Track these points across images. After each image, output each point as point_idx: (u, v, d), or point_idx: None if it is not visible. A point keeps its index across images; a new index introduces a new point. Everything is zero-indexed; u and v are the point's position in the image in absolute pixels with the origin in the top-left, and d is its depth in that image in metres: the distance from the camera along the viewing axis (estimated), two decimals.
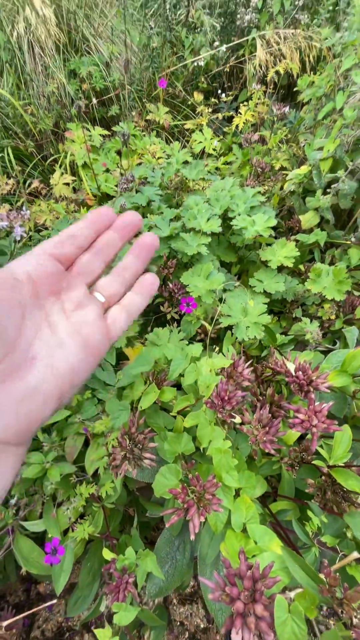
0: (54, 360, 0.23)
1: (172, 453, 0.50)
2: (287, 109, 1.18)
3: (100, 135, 1.42)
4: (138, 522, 0.70)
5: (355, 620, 0.27)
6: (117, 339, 0.27)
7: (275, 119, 1.23)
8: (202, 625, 1.02)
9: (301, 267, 1.00)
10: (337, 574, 0.31)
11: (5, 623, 0.57)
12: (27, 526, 0.64)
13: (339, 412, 0.65)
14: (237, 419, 0.43)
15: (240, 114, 1.47)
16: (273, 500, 0.59)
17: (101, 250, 0.27)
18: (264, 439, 0.42)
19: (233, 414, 0.43)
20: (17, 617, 0.58)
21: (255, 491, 0.49)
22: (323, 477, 0.49)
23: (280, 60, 1.50)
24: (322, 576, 0.33)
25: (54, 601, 0.57)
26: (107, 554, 0.53)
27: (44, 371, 0.22)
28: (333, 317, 0.84)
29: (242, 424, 0.44)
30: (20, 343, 0.22)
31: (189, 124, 1.67)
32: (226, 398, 0.42)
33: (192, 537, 0.37)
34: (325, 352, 0.80)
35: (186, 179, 1.11)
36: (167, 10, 1.60)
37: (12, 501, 0.62)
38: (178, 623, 1.02)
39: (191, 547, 0.62)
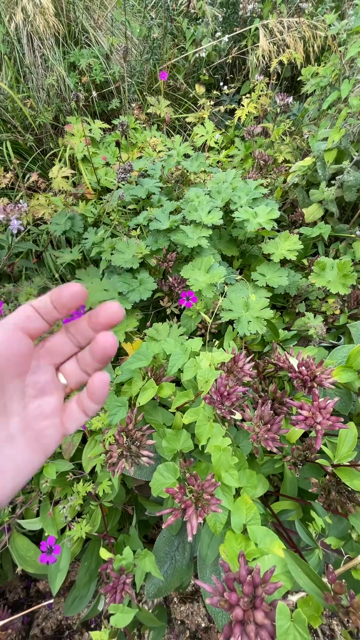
0: None
1: (170, 450, 0.48)
2: (290, 99, 1.15)
3: (100, 128, 1.40)
4: (137, 521, 0.69)
5: None
6: (69, 435, 0.25)
7: (279, 110, 1.20)
8: (203, 624, 1.01)
9: (304, 261, 0.98)
10: (343, 580, 0.29)
11: (0, 623, 0.56)
12: (23, 524, 0.63)
13: (344, 409, 0.63)
14: (238, 416, 0.41)
15: (243, 106, 1.44)
16: (275, 500, 0.57)
17: (74, 335, 0.25)
18: (266, 436, 0.40)
19: (233, 410, 0.41)
20: (14, 617, 0.57)
21: (257, 491, 0.48)
22: (327, 477, 0.47)
23: (283, 51, 1.47)
24: (326, 581, 0.31)
25: (51, 601, 0.56)
26: (105, 554, 0.51)
27: None
28: (337, 312, 0.82)
29: (242, 420, 0.42)
30: None
31: (190, 117, 1.64)
32: (225, 393, 0.40)
33: (190, 538, 0.36)
34: (329, 348, 0.78)
35: (187, 171, 1.08)
36: (168, 1, 1.57)
37: None
38: (179, 622, 1.01)
39: (191, 547, 0.61)
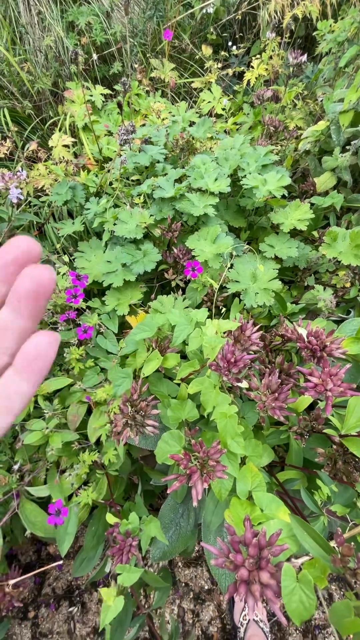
0: None
1: (175, 420, 0.48)
2: (304, 57, 1.07)
3: (101, 94, 1.33)
4: (142, 490, 0.70)
5: None
6: None
7: (292, 70, 1.12)
8: (206, 587, 1.05)
9: (315, 233, 0.94)
10: (352, 543, 0.29)
11: (12, 581, 0.58)
12: (32, 491, 0.64)
13: (353, 381, 0.62)
14: (244, 384, 0.40)
15: (253, 68, 1.35)
16: (280, 470, 0.57)
17: None
18: (273, 405, 0.39)
19: (239, 378, 0.40)
20: (24, 577, 0.60)
21: (262, 460, 0.47)
22: (334, 447, 0.46)
23: (297, 4, 1.36)
24: (332, 544, 0.31)
25: (60, 562, 0.58)
26: (111, 519, 0.52)
27: None
28: (348, 284, 0.79)
29: (249, 389, 0.41)
30: None
31: (196, 83, 1.55)
32: (232, 360, 0.39)
33: (195, 503, 0.36)
34: (339, 322, 0.76)
35: (193, 138, 1.03)
36: None
37: (15, 467, 0.62)
38: (183, 584, 1.06)
39: (195, 514, 0.62)
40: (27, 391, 0.18)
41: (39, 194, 1.04)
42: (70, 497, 0.65)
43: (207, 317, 0.56)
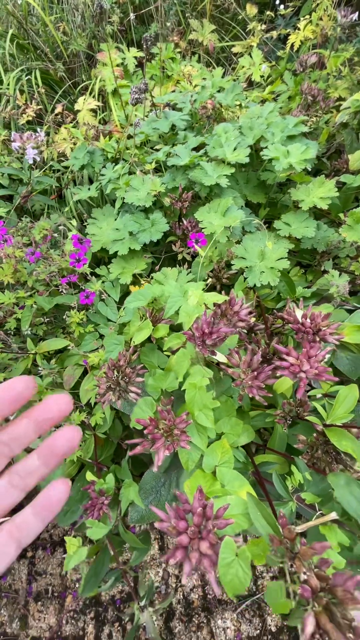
0: None
1: (154, 388, 0.48)
2: (355, 15, 0.95)
3: (134, 57, 1.28)
4: (130, 455, 0.72)
5: (303, 577, 0.24)
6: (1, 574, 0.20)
7: (340, 30, 1.01)
8: None
9: (341, 215, 0.87)
10: (293, 526, 0.27)
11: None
12: None
13: (353, 373, 0.58)
14: (221, 357, 0.39)
15: (299, 29, 1.23)
16: (263, 453, 0.56)
17: (7, 444, 0.20)
18: (250, 383, 0.38)
19: (215, 351, 0.38)
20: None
21: (240, 439, 0.46)
22: (315, 435, 0.44)
23: None
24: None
25: None
26: (89, 476, 0.54)
27: None
28: None
29: (228, 366, 0.40)
30: None
31: (237, 47, 1.45)
32: (207, 331, 0.37)
33: (155, 469, 0.36)
34: (352, 311, 0.71)
35: (220, 105, 0.97)
36: None
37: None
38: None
39: (177, 485, 0.63)
40: (39, 529, 0.21)
41: (61, 158, 1.04)
42: None
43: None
